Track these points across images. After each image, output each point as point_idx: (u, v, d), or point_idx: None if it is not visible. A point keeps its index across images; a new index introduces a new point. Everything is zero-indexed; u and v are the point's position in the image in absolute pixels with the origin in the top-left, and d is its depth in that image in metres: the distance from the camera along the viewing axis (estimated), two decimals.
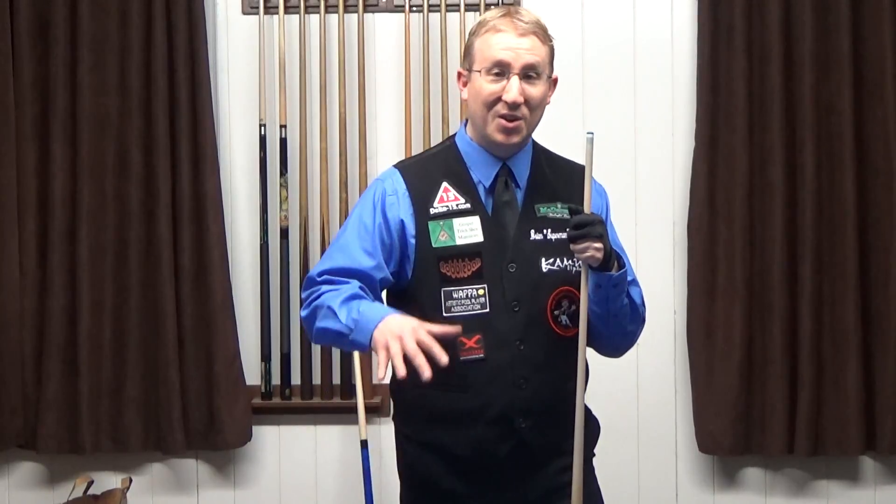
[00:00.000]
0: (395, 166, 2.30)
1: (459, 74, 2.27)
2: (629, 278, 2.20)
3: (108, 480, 3.42)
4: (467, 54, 2.25)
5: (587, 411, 2.26)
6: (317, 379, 3.44)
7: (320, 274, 2.19)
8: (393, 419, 2.33)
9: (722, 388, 3.34)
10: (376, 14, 3.48)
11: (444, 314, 2.15)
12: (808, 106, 3.31)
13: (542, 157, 2.29)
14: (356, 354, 3.31)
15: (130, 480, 3.33)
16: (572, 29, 3.46)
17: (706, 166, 3.36)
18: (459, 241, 2.18)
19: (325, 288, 2.16)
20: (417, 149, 3.38)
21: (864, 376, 3.31)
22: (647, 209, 3.44)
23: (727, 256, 3.35)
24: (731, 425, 3.33)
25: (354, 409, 3.32)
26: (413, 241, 2.19)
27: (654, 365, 3.45)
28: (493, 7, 3.40)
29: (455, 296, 2.16)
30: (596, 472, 2.33)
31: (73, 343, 3.37)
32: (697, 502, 3.47)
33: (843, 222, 3.31)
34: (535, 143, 2.31)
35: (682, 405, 3.45)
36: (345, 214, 3.40)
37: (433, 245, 2.18)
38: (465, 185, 2.22)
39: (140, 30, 3.37)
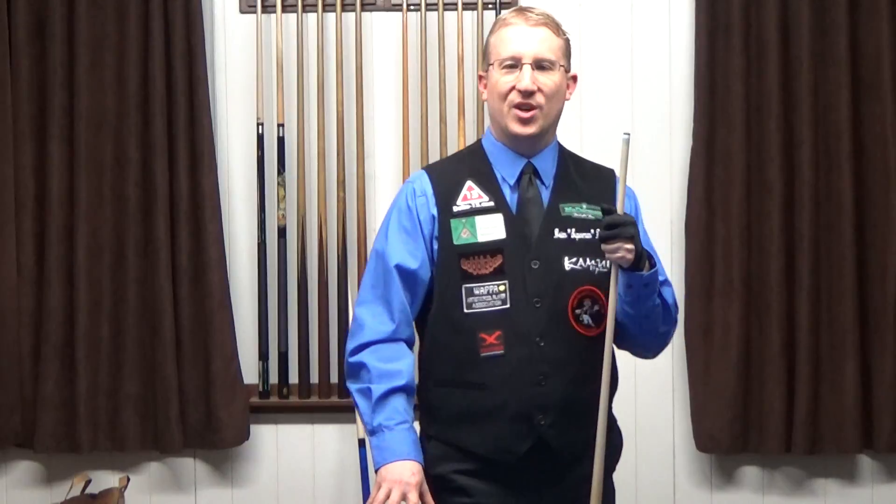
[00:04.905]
0: (423, 168, 2.35)
1: (480, 77, 2.31)
2: (661, 279, 2.22)
3: (105, 479, 3.42)
4: (484, 54, 2.30)
5: (612, 422, 2.27)
6: (314, 378, 3.43)
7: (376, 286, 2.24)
8: (419, 421, 2.30)
9: (719, 387, 3.34)
10: (374, 13, 3.47)
11: (465, 310, 2.17)
12: (806, 105, 3.31)
13: (569, 159, 2.33)
14: None
15: (128, 479, 3.33)
16: (570, 28, 3.40)
17: (704, 165, 3.36)
18: (481, 238, 2.20)
19: (373, 350, 2.20)
20: (415, 148, 3.39)
21: (861, 375, 3.31)
22: (644, 208, 3.41)
23: (725, 255, 3.35)
24: (728, 424, 3.33)
25: (352, 408, 3.31)
26: (436, 241, 2.22)
27: (651, 364, 3.40)
28: (490, 6, 3.41)
29: (476, 292, 2.18)
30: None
31: (71, 342, 3.36)
32: (695, 501, 3.47)
33: (840, 221, 3.31)
34: (561, 146, 2.34)
35: (680, 404, 3.46)
36: (343, 213, 3.41)
37: (455, 242, 2.20)
38: (489, 183, 2.24)
39: (137, 28, 3.36)
